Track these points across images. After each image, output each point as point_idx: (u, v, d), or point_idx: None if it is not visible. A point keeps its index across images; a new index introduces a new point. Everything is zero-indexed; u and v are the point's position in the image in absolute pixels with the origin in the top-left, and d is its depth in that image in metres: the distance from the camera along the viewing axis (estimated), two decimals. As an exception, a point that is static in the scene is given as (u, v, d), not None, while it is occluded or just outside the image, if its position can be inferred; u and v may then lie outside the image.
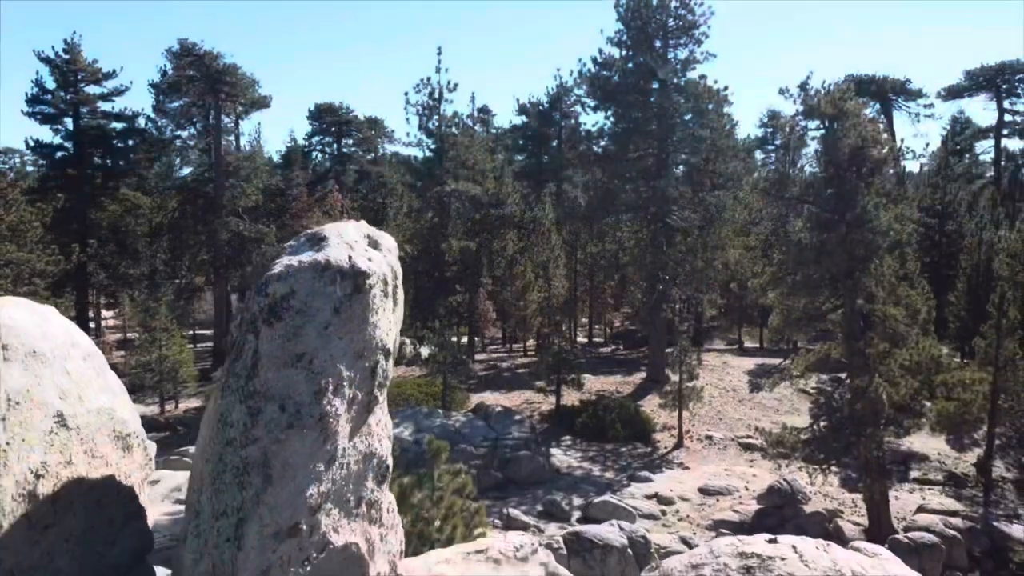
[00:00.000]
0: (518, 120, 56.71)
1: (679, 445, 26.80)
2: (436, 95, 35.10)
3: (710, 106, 31.27)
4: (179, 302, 41.43)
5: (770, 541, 6.21)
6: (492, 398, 31.02)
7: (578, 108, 44.37)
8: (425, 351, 34.78)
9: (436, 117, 35.86)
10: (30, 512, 4.51)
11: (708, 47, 32.24)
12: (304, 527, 3.86)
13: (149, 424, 26.92)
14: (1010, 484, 24.89)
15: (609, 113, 32.00)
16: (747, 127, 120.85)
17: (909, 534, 19.73)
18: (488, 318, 45.31)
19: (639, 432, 27.43)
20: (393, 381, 8.62)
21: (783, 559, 6.00)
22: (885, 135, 18.87)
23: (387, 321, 4.34)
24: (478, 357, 41.13)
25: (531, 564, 6.23)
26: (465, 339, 40.16)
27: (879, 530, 19.80)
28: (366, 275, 4.15)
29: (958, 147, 69.38)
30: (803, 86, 18.21)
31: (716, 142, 30.21)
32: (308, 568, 3.90)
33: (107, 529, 5.33)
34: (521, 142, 57.10)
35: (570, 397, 29.65)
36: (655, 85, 30.80)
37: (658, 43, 31.29)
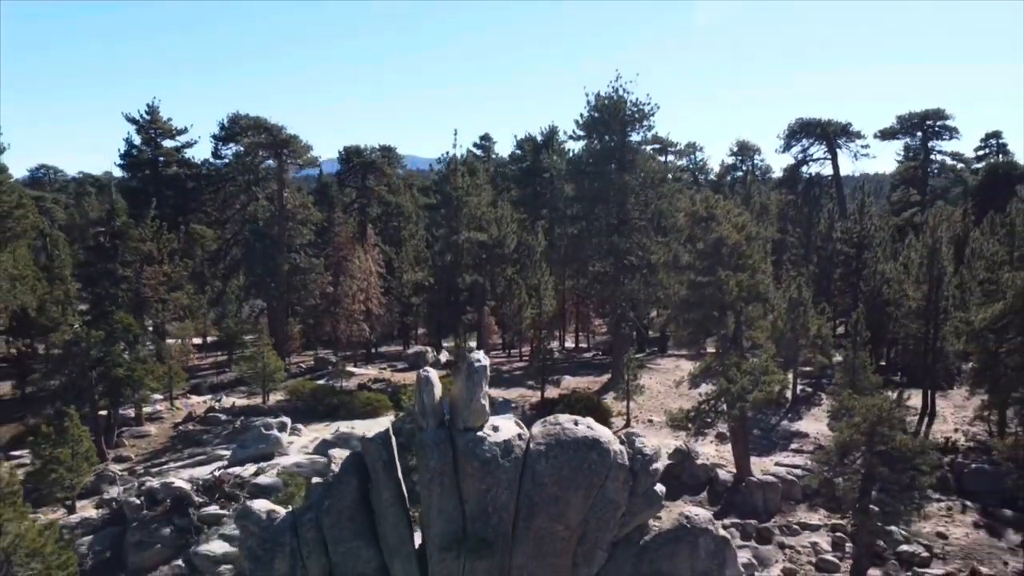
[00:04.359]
0: (516, 151, 68.03)
1: (627, 425, 37.74)
2: (453, 167, 46.27)
3: (657, 176, 42.26)
4: (249, 319, 52.24)
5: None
6: (494, 392, 41.89)
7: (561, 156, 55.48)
8: (444, 356, 46.61)
9: (453, 181, 47.14)
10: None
11: (657, 131, 43.32)
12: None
13: (257, 410, 37.92)
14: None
15: (579, 185, 43.02)
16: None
17: (761, 476, 30.71)
18: (491, 330, 56.41)
19: (600, 417, 38.03)
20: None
21: (569, 424, 18.57)
22: (744, 229, 29.63)
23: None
24: (484, 362, 51.83)
25: (508, 419, 17.81)
26: (474, 345, 51.08)
27: (741, 474, 30.76)
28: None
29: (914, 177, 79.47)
30: (692, 199, 29.21)
31: (659, 207, 41.22)
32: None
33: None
34: (518, 173, 67.89)
35: (552, 392, 40.58)
36: (613, 165, 41.73)
37: (617, 130, 42.25)
